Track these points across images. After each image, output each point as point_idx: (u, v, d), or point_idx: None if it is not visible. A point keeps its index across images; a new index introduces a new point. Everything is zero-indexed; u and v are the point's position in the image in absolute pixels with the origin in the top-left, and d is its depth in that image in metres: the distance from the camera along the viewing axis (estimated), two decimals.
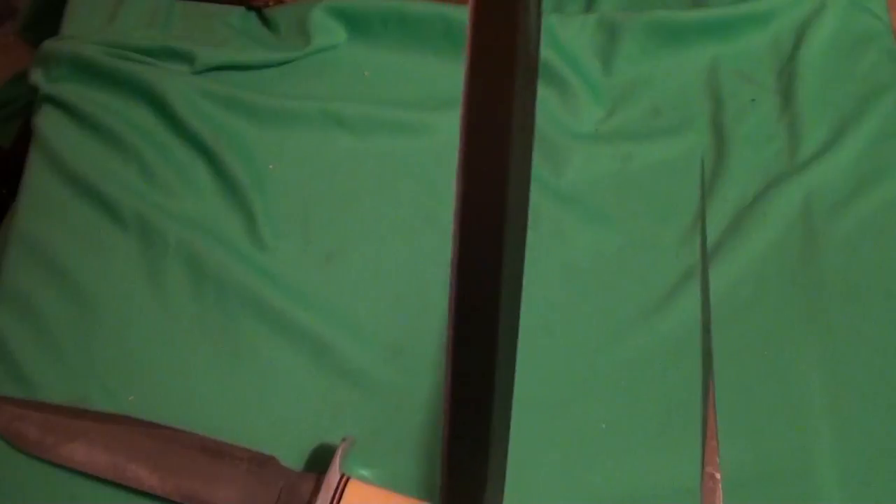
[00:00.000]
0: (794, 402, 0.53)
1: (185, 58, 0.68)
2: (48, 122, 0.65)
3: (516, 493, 0.38)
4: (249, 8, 0.73)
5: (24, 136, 0.71)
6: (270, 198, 0.62)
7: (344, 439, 0.50)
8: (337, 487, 0.48)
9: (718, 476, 0.20)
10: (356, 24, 0.70)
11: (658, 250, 0.60)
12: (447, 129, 0.66)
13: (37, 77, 0.67)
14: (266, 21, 0.72)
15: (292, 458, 0.52)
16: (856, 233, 0.59)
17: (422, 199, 0.63)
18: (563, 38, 0.68)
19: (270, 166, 0.64)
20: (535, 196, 0.61)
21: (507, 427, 0.32)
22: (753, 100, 0.66)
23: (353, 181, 0.64)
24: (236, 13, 0.72)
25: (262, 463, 0.50)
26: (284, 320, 0.56)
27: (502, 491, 0.36)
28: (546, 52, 0.68)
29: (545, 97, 0.67)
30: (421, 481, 0.51)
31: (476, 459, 0.32)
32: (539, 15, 0.21)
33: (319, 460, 0.52)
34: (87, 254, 0.59)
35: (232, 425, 0.53)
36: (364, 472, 0.51)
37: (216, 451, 0.51)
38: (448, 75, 0.68)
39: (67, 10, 0.71)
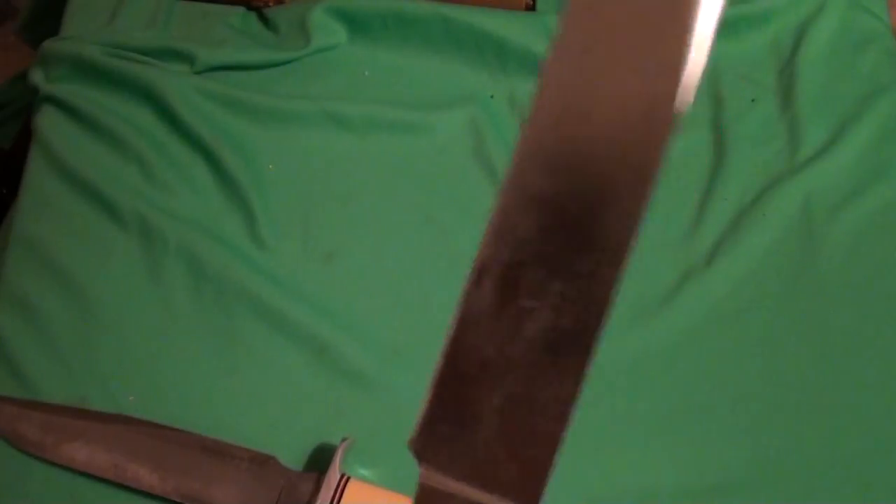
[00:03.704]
0: (792, 401, 0.53)
1: (185, 58, 0.68)
2: (48, 122, 0.65)
3: None
4: (249, 8, 0.73)
5: (24, 136, 0.71)
6: (270, 198, 0.62)
7: (344, 439, 0.50)
8: (337, 487, 0.48)
9: None
10: (356, 24, 0.70)
11: (658, 250, 0.60)
12: (447, 129, 0.66)
13: (37, 77, 0.67)
14: (266, 21, 0.72)
15: (292, 458, 0.52)
16: (856, 233, 0.59)
17: (422, 199, 0.63)
18: None
19: (270, 166, 0.64)
20: None
21: None
22: (753, 100, 0.66)
23: (353, 181, 0.64)
24: (236, 13, 0.72)
25: (262, 463, 0.50)
26: (284, 320, 0.56)
27: None
28: (546, 52, 0.68)
29: None
30: None
31: None
32: None
33: (319, 460, 0.52)
34: (87, 254, 0.59)
35: (232, 425, 0.53)
36: (364, 472, 0.51)
37: (216, 451, 0.51)
38: (448, 75, 0.68)
39: (67, 10, 0.72)
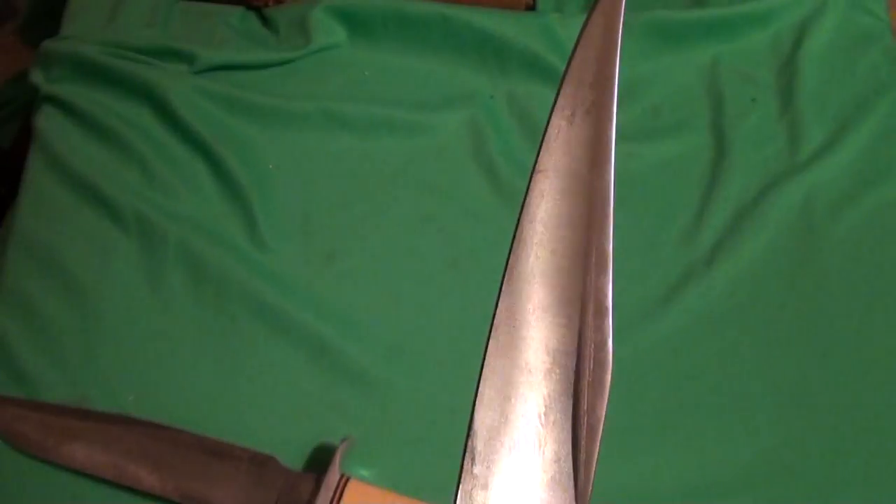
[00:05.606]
0: (793, 401, 0.53)
1: (185, 58, 0.68)
2: (48, 122, 0.65)
3: None
4: (249, 8, 0.73)
5: (24, 136, 0.71)
6: (270, 198, 0.62)
7: (344, 439, 0.50)
8: (337, 487, 0.48)
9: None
10: (356, 24, 0.70)
11: (658, 250, 0.60)
12: (447, 129, 0.66)
13: (37, 77, 0.67)
14: (266, 21, 0.72)
15: (292, 458, 0.52)
16: (856, 233, 0.59)
17: (422, 199, 0.63)
18: (563, 37, 0.68)
19: (270, 166, 0.64)
20: None
21: None
22: (754, 99, 0.66)
23: (353, 181, 0.64)
24: (236, 13, 0.72)
25: (261, 463, 0.50)
26: (284, 320, 0.56)
27: None
28: (546, 52, 0.68)
29: (544, 97, 0.67)
30: (421, 481, 0.51)
31: None
32: None
33: (319, 460, 0.52)
34: (88, 254, 0.59)
35: (232, 425, 0.53)
36: (364, 472, 0.51)
37: (216, 451, 0.51)
38: (448, 75, 0.68)
39: (67, 10, 0.71)
